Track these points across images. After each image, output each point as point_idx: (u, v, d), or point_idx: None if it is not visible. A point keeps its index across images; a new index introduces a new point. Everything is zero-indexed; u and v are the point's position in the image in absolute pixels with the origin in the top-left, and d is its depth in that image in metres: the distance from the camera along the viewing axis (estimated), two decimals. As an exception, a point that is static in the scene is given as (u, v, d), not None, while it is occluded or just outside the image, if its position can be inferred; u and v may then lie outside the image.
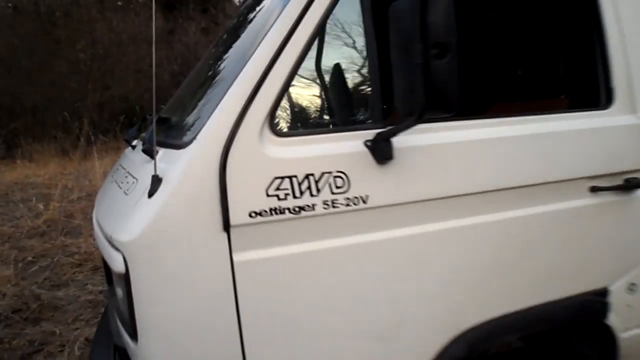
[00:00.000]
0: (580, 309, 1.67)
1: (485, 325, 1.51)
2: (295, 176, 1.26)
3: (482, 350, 1.52)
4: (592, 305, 1.69)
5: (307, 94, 1.42)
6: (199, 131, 1.26)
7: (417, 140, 1.36)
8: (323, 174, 1.28)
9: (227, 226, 1.22)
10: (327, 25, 1.37)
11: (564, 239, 1.62)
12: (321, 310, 1.33)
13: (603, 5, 1.70)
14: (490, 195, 1.48)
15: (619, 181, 1.67)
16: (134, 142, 1.95)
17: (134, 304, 1.23)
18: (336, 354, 1.37)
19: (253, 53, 1.32)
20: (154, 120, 1.32)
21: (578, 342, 1.90)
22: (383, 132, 1.28)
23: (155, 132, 1.39)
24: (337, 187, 1.30)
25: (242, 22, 1.91)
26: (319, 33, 1.34)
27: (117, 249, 1.25)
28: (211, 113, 1.27)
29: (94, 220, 1.75)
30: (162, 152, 1.34)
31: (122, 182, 1.52)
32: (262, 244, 1.26)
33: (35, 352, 3.44)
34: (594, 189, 1.64)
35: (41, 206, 7.01)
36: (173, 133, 1.50)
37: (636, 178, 1.69)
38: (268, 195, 1.24)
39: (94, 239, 5.07)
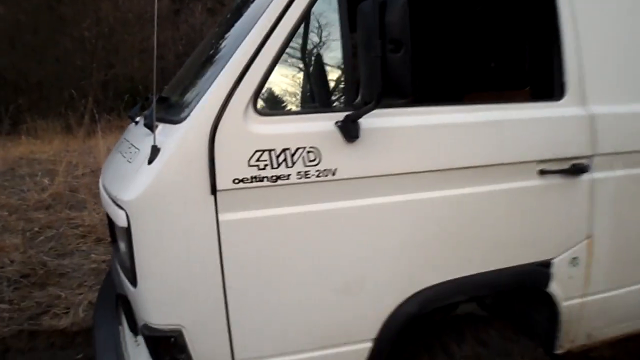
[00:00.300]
0: (524, 277, 1.89)
1: (437, 287, 1.74)
2: (274, 150, 1.48)
3: (432, 308, 1.76)
4: (536, 275, 1.91)
5: (287, 79, 1.63)
6: (192, 109, 1.47)
7: (382, 122, 1.58)
8: (298, 148, 1.50)
9: (214, 190, 1.44)
10: (306, 21, 1.58)
11: (513, 214, 1.84)
12: (293, 265, 1.56)
13: (561, 7, 1.89)
14: (446, 173, 1.69)
15: (565, 166, 1.88)
16: (137, 119, 2.17)
17: (134, 254, 1.46)
18: (306, 302, 1.60)
19: (241, 43, 1.53)
20: (154, 98, 1.54)
21: (529, 309, 2.14)
22: (351, 114, 1.49)
23: (156, 109, 1.61)
24: (310, 161, 1.52)
25: (236, 13, 2.11)
26: (299, 27, 1.55)
27: (120, 207, 1.48)
28: (204, 93, 1.49)
29: (100, 185, 1.98)
30: (161, 127, 1.56)
31: (125, 152, 1.74)
32: (243, 207, 1.48)
33: (43, 313, 3.70)
34: (543, 172, 1.86)
35: (46, 181, 7.25)
36: (171, 110, 1.71)
37: (581, 163, 1.89)
38: (249, 165, 1.46)
39: (100, 208, 5.31)
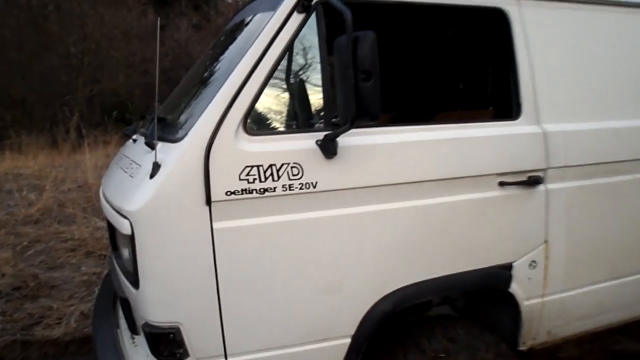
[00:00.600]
0: (487, 278, 2.10)
1: (408, 287, 1.94)
2: (262, 165, 1.68)
3: (405, 307, 1.96)
4: (498, 276, 2.12)
5: (273, 103, 1.83)
6: (189, 129, 1.67)
7: (356, 141, 1.78)
8: (283, 164, 1.70)
9: (209, 201, 1.63)
10: (289, 52, 1.79)
11: (476, 222, 2.05)
12: (279, 268, 1.75)
13: (516, 39, 2.13)
14: (415, 185, 1.90)
15: (522, 178, 2.11)
16: (134, 137, 2.36)
17: (137, 258, 1.64)
18: (291, 302, 1.79)
19: (233, 70, 1.73)
20: (156, 119, 1.73)
21: (495, 310, 2.35)
22: (329, 134, 1.70)
23: (150, 129, 1.80)
24: (294, 175, 1.71)
25: (227, 40, 2.32)
26: (282, 58, 1.76)
27: (125, 217, 1.66)
28: (199, 115, 1.68)
29: (101, 197, 2.15)
30: (160, 145, 1.74)
31: (127, 168, 1.92)
32: (235, 216, 1.67)
33: (35, 324, 3.81)
34: (502, 184, 2.07)
35: (33, 196, 7.32)
36: (168, 130, 1.89)
37: (536, 176, 2.12)
38: (240, 179, 1.66)
39: (89, 222, 5.42)
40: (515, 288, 2.16)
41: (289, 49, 1.79)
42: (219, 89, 1.71)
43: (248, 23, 2.12)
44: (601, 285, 2.39)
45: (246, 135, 1.69)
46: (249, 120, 1.71)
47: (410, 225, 1.92)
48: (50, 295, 4.22)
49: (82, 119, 16.06)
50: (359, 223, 1.83)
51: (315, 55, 1.80)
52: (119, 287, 1.98)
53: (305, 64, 1.87)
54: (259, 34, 1.78)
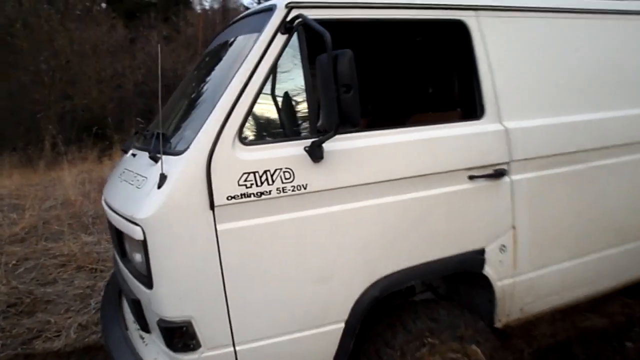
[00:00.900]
0: (463, 262, 2.33)
1: (393, 274, 2.16)
2: (257, 171, 1.88)
3: (392, 292, 2.18)
4: (473, 260, 2.35)
5: (264, 116, 2.04)
6: (190, 143, 1.86)
7: (340, 146, 2.00)
8: (276, 169, 1.91)
9: (212, 206, 1.83)
10: (276, 70, 2.01)
11: (450, 213, 2.28)
12: (277, 262, 1.95)
13: (476, 48, 2.38)
14: (394, 182, 2.12)
15: (489, 171, 2.35)
16: (132, 152, 2.53)
17: (150, 261, 1.82)
18: (290, 293, 1.99)
19: (226, 89, 1.93)
20: (161, 136, 1.91)
21: (472, 292, 2.58)
22: (315, 141, 1.91)
23: (152, 143, 1.99)
24: (286, 179, 1.92)
25: (213, 61, 2.52)
26: (269, 76, 1.97)
27: (136, 224, 1.84)
28: (199, 130, 1.88)
29: (106, 208, 2.32)
30: (163, 158, 1.93)
31: (132, 181, 2.10)
32: (236, 217, 1.87)
33: (35, 338, 3.92)
34: (471, 177, 2.31)
35: (15, 215, 7.34)
36: (168, 144, 2.07)
37: (501, 168, 2.36)
38: (239, 185, 1.86)
39: (77, 238, 5.49)
40: (488, 270, 2.39)
41: (275, 66, 2.00)
42: (215, 105, 1.90)
43: (232, 44, 2.33)
44: (565, 264, 2.65)
45: (242, 146, 1.89)
46: (243, 132, 1.92)
47: (392, 218, 2.14)
48: (46, 310, 4.32)
49: (56, 136, 15.94)
50: (346, 219, 2.05)
51: (298, 70, 2.02)
52: (129, 290, 2.15)
53: (290, 78, 2.08)
54: (247, 54, 1.98)
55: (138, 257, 1.93)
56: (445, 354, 2.29)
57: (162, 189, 1.81)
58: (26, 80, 17.21)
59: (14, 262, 5.56)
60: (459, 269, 2.36)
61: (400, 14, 2.29)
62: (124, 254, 2.19)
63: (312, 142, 1.92)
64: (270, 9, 2.08)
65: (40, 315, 4.24)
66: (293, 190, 1.93)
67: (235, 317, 1.91)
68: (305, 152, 1.94)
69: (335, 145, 1.98)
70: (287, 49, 2.02)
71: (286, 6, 2.03)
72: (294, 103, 2.11)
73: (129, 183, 2.12)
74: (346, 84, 1.77)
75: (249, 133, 1.96)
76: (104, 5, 24.45)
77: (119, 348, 2.23)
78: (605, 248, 2.78)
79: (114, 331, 2.40)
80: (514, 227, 2.44)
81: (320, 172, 1.97)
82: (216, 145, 1.84)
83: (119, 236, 2.18)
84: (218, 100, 1.91)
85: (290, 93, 2.12)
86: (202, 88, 2.42)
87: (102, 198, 2.52)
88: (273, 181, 1.90)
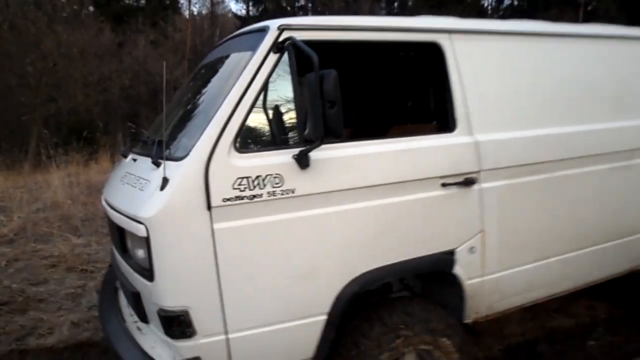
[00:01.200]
0: (435, 262, 2.56)
1: (372, 271, 2.38)
2: (250, 177, 2.09)
3: (370, 289, 2.39)
4: (444, 261, 2.58)
5: (257, 126, 2.24)
6: (190, 150, 2.07)
7: (325, 154, 2.22)
8: (267, 175, 2.12)
9: (209, 207, 2.03)
10: (268, 85, 2.22)
11: (424, 216, 2.51)
12: (267, 259, 2.16)
13: (450, 68, 2.62)
14: (373, 188, 2.35)
15: (460, 179, 2.58)
16: (131, 156, 2.72)
17: (152, 256, 2.02)
18: (278, 286, 2.19)
19: (223, 101, 2.14)
20: (164, 144, 2.11)
21: (444, 291, 2.80)
22: (303, 150, 2.13)
23: (149, 149, 2.20)
24: (276, 184, 2.13)
25: (209, 75, 2.73)
26: (262, 91, 2.18)
27: (140, 222, 2.04)
28: (198, 139, 2.08)
29: (107, 208, 2.51)
30: (165, 163, 2.12)
31: (134, 184, 2.29)
32: (231, 218, 2.07)
33: (28, 335, 4.04)
34: (444, 185, 2.54)
35: (2, 217, 7.40)
36: (169, 151, 2.27)
37: (471, 177, 2.60)
38: (233, 188, 2.06)
39: (66, 239, 5.60)
40: (458, 270, 2.63)
41: (267, 82, 2.22)
42: (213, 116, 2.11)
43: (228, 60, 2.54)
44: (529, 266, 2.90)
45: (237, 153, 2.11)
46: (238, 141, 2.13)
47: (371, 221, 2.37)
48: (39, 308, 4.45)
49: (41, 139, 15.92)
50: (329, 220, 2.26)
51: (289, 85, 2.24)
52: (128, 284, 2.34)
53: (281, 93, 2.29)
54: (242, 71, 2.20)
55: (140, 252, 2.13)
56: (418, 345, 2.51)
57: (164, 191, 2.01)
58: (12, 83, 17.17)
59: (4, 263, 5.66)
60: (432, 268, 2.58)
61: (381, 36, 2.53)
62: (124, 251, 2.38)
63: (300, 151, 2.14)
64: (264, 30, 2.31)
65: (32, 313, 4.36)
66: (282, 194, 2.14)
67: (228, 307, 2.11)
68: (293, 160, 2.15)
69: (321, 154, 2.20)
70: (278, 67, 2.24)
71: (278, 28, 2.25)
72: (284, 115, 2.33)
73: (132, 185, 2.31)
74: (331, 100, 2.00)
75: (243, 142, 2.17)
76: (91, 8, 24.50)
77: (119, 338, 2.41)
78: (568, 252, 3.04)
79: (112, 324, 2.58)
80: (482, 231, 2.68)
81: (306, 178, 2.18)
82: (213, 153, 2.05)
83: (120, 234, 2.37)
84: (216, 112, 2.12)
85: (281, 106, 2.33)
86: (200, 99, 2.62)
87: (102, 198, 2.71)
88: (264, 185, 2.11)
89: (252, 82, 2.17)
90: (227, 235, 2.08)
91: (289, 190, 2.16)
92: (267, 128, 2.29)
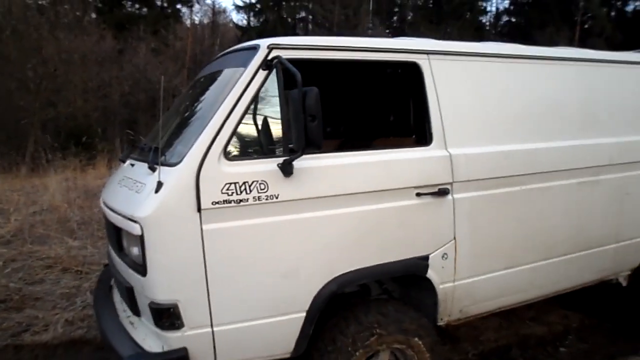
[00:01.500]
0: (409, 266, 2.75)
1: (349, 273, 2.56)
2: (237, 182, 2.29)
3: (347, 292, 2.58)
4: (418, 265, 2.77)
5: (245, 136, 2.44)
6: (184, 157, 2.26)
7: (307, 164, 2.41)
8: (253, 181, 2.31)
9: (199, 209, 2.22)
10: (257, 99, 2.43)
11: (400, 223, 2.70)
12: (251, 259, 2.34)
13: (427, 84, 2.82)
14: (352, 196, 2.54)
15: (434, 190, 2.78)
16: (129, 162, 2.91)
17: (146, 253, 2.20)
18: (260, 285, 2.38)
19: (215, 113, 2.34)
20: (160, 151, 2.31)
21: (420, 295, 2.99)
22: (287, 159, 2.33)
23: (147, 155, 2.39)
24: (261, 189, 2.33)
25: (203, 87, 2.93)
26: (251, 105, 2.39)
27: (135, 222, 2.23)
28: (191, 147, 2.28)
29: (105, 209, 2.70)
30: (160, 168, 2.32)
31: (131, 187, 2.48)
32: (219, 220, 2.26)
33: (24, 331, 4.20)
34: (419, 194, 2.74)
35: (0, 220, 7.56)
36: (165, 157, 2.46)
37: (445, 188, 2.80)
38: (222, 193, 2.26)
39: (62, 242, 5.76)
40: (431, 274, 2.81)
41: (256, 96, 2.42)
42: (205, 126, 2.31)
43: (221, 75, 2.75)
44: (500, 273, 3.09)
45: (226, 161, 2.30)
46: (228, 149, 2.32)
47: (349, 226, 2.56)
48: (34, 306, 4.60)
49: (40, 143, 16.06)
50: (310, 224, 2.46)
51: (275, 100, 2.44)
52: (123, 280, 2.53)
53: (268, 106, 2.50)
54: (233, 86, 2.41)
55: (135, 250, 2.31)
56: (392, 344, 2.70)
57: (158, 193, 2.20)
58: (12, 87, 17.34)
59: (1, 262, 5.81)
60: (406, 272, 2.77)
61: (364, 56, 2.74)
62: (120, 249, 2.56)
63: (284, 160, 2.34)
64: (255, 48, 2.52)
65: (28, 311, 4.52)
66: (267, 199, 2.34)
67: (214, 302, 2.29)
68: (278, 168, 2.35)
69: (304, 163, 2.40)
70: (266, 83, 2.45)
71: (268, 47, 2.47)
72: (270, 127, 2.53)
73: (129, 188, 2.50)
74: (312, 114, 2.20)
75: (232, 150, 2.37)
76: (94, 15, 24.80)
77: (112, 331, 2.59)
78: (537, 260, 3.23)
79: (107, 318, 2.76)
80: (455, 239, 2.87)
81: (290, 185, 2.38)
82: (205, 160, 2.25)
83: (116, 233, 2.56)
84: (208, 122, 2.32)
85: (268, 118, 2.53)
86: (194, 110, 2.83)
87: (101, 200, 2.90)
88: (250, 191, 2.31)
89: (242, 96, 2.37)
90: (215, 235, 2.27)
91: (273, 195, 2.35)
92: (254, 138, 2.49)
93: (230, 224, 2.30)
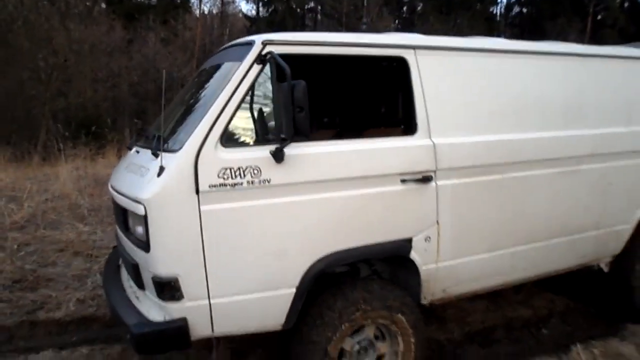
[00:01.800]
0: (394, 247, 2.95)
1: (337, 253, 2.77)
2: (233, 167, 2.50)
3: (335, 267, 2.79)
4: (402, 247, 2.97)
5: (240, 125, 2.64)
6: (184, 144, 2.48)
7: (297, 151, 2.61)
8: (247, 167, 2.52)
9: (197, 191, 2.44)
10: (252, 91, 2.63)
11: (385, 207, 2.90)
12: (245, 237, 2.56)
13: (413, 78, 3.01)
14: (340, 181, 2.74)
15: (418, 176, 2.96)
16: (135, 149, 3.14)
17: (149, 231, 2.43)
18: (251, 261, 2.59)
19: (213, 103, 2.55)
20: (162, 139, 2.52)
21: (406, 276, 3.19)
22: (278, 146, 2.53)
23: (154, 143, 2.61)
24: (254, 174, 2.54)
25: (206, 78, 3.14)
26: (246, 95, 2.59)
27: (139, 203, 2.45)
28: (190, 134, 2.49)
29: (112, 192, 2.93)
30: (162, 155, 2.53)
31: (136, 171, 2.71)
32: (215, 201, 2.48)
33: (38, 309, 4.46)
34: (403, 180, 2.94)
35: (13, 206, 7.83)
36: (167, 144, 2.67)
37: (428, 175, 2.99)
38: (218, 177, 2.47)
39: (73, 227, 6.04)
40: (414, 256, 3.01)
41: (251, 88, 2.62)
42: (204, 116, 2.53)
43: (220, 68, 2.96)
44: (481, 256, 3.28)
45: (222, 147, 2.51)
46: (224, 137, 2.53)
47: (337, 209, 2.76)
48: (48, 287, 4.87)
49: (51, 132, 16.36)
50: (300, 207, 2.66)
51: (268, 91, 2.65)
52: (129, 256, 2.76)
53: (262, 97, 2.70)
54: (230, 78, 2.61)
55: (139, 229, 2.54)
56: (376, 319, 2.92)
57: (160, 177, 2.42)
58: (24, 77, 17.64)
59: (15, 246, 6.07)
60: (390, 253, 2.98)
61: (354, 51, 2.93)
62: (126, 229, 2.79)
63: (276, 147, 2.54)
64: (250, 44, 2.72)
65: (42, 290, 4.79)
66: (259, 183, 2.55)
67: (211, 277, 2.52)
68: (270, 155, 2.56)
69: (295, 150, 2.60)
70: (260, 76, 2.65)
71: (262, 43, 2.66)
72: (263, 117, 2.73)
73: (134, 173, 2.73)
74: (300, 106, 2.41)
75: (228, 138, 2.57)
76: (103, 5, 25.01)
77: (120, 305, 2.82)
78: (518, 245, 3.42)
79: (115, 294, 3.00)
80: (437, 223, 3.06)
81: (281, 170, 2.59)
82: (203, 147, 2.46)
83: (123, 214, 2.79)
84: (206, 112, 2.54)
85: (262, 109, 2.74)
86: (195, 100, 3.04)
87: (109, 184, 3.13)
88: (244, 175, 2.52)
89: (238, 88, 2.58)
90: (212, 216, 2.49)
91: (265, 180, 2.56)
92: (249, 127, 2.70)
93: (226, 206, 2.51)
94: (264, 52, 2.65)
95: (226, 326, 2.62)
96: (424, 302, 3.19)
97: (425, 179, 2.98)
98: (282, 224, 2.64)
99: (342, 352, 2.88)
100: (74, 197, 8.30)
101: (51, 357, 3.67)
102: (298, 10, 30.83)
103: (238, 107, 2.58)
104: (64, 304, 4.51)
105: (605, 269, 4.03)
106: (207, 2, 35.32)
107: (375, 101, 4.12)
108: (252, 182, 2.54)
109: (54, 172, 10.73)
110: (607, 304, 4.25)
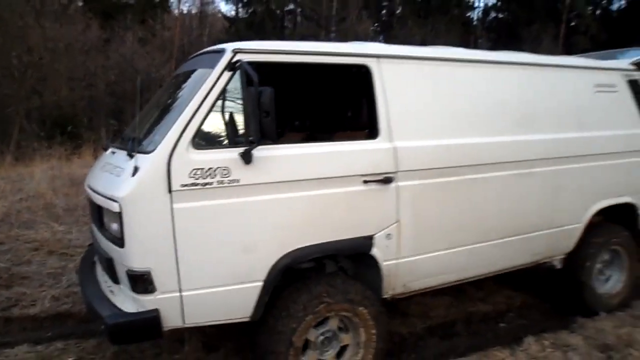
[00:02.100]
0: (355, 245, 3.14)
1: (302, 249, 2.95)
2: (203, 168, 2.66)
3: (300, 262, 2.97)
4: (363, 244, 3.16)
5: (211, 128, 2.80)
6: (157, 145, 2.63)
7: (264, 153, 2.78)
8: (217, 167, 2.69)
9: (170, 190, 2.60)
10: (222, 96, 2.79)
11: (348, 207, 3.09)
12: (214, 233, 2.72)
13: (376, 84, 3.21)
14: (305, 182, 2.92)
15: (380, 178, 3.16)
16: (111, 149, 3.27)
17: (124, 227, 2.57)
18: (220, 256, 2.75)
19: (185, 107, 2.71)
20: (136, 140, 2.67)
21: (368, 272, 3.38)
22: (247, 148, 2.70)
23: (129, 144, 2.75)
24: (224, 174, 2.70)
25: (179, 83, 3.30)
26: (217, 100, 2.75)
27: (115, 201, 2.59)
28: (164, 136, 2.65)
29: (89, 191, 3.06)
30: (137, 155, 2.68)
31: (112, 171, 2.85)
32: (187, 200, 2.63)
33: (13, 306, 4.53)
34: (366, 181, 3.13)
35: (-15, 206, 7.80)
36: (142, 145, 2.82)
37: (389, 176, 3.18)
38: (189, 177, 2.63)
39: (48, 226, 6.08)
40: (376, 252, 3.21)
41: (222, 93, 2.79)
42: (177, 119, 2.68)
43: (193, 74, 3.12)
44: (440, 253, 3.49)
45: (194, 149, 2.67)
46: (195, 139, 2.69)
47: (302, 208, 2.94)
48: (22, 284, 4.93)
49: (25, 131, 16.17)
50: (267, 206, 2.84)
51: (238, 97, 2.81)
52: (104, 252, 2.90)
53: (232, 102, 2.87)
54: (202, 84, 2.78)
55: (114, 225, 2.68)
56: (339, 311, 3.11)
57: (135, 177, 2.57)
58: (-4, 75, 17.36)
59: (-11, 245, 6.11)
60: (353, 250, 3.18)
61: (321, 59, 3.12)
62: (101, 225, 2.93)
63: (245, 149, 2.71)
64: (221, 52, 2.89)
65: (17, 288, 4.85)
66: (229, 183, 2.72)
67: (182, 270, 2.67)
68: (239, 156, 2.73)
69: (263, 152, 2.77)
70: (230, 82, 2.82)
71: (232, 51, 2.83)
72: (233, 121, 2.90)
73: (110, 172, 2.87)
74: (266, 111, 2.58)
75: (200, 140, 2.73)
76: (80, 3, 24.73)
77: (95, 298, 2.95)
78: (474, 243, 3.64)
79: (90, 289, 3.13)
80: (398, 221, 3.27)
81: (249, 170, 2.76)
82: (175, 148, 2.62)
83: (99, 211, 2.92)
84: (179, 116, 2.70)
85: (232, 113, 2.90)
86: (169, 104, 3.20)
87: (85, 183, 3.26)
88: (215, 175, 2.69)
89: (209, 94, 2.74)
90: (184, 213, 2.64)
91: (234, 180, 2.73)
92: (219, 130, 2.86)
93: (197, 204, 2.67)
94: (234, 60, 2.82)
95: (196, 317, 2.78)
96: (386, 296, 3.38)
97: (387, 180, 3.18)
98: (250, 221, 2.81)
99: (307, 343, 3.07)
100: (49, 196, 8.29)
101: (26, 352, 3.75)
102: (277, 11, 30.96)
103: (209, 112, 2.75)
104: (39, 301, 4.59)
105: (559, 266, 4.28)
106: (186, 2, 35.22)
107: (342, 106, 4.33)
108: (222, 182, 2.70)
109: (28, 172, 10.64)
110: (561, 299, 4.51)
